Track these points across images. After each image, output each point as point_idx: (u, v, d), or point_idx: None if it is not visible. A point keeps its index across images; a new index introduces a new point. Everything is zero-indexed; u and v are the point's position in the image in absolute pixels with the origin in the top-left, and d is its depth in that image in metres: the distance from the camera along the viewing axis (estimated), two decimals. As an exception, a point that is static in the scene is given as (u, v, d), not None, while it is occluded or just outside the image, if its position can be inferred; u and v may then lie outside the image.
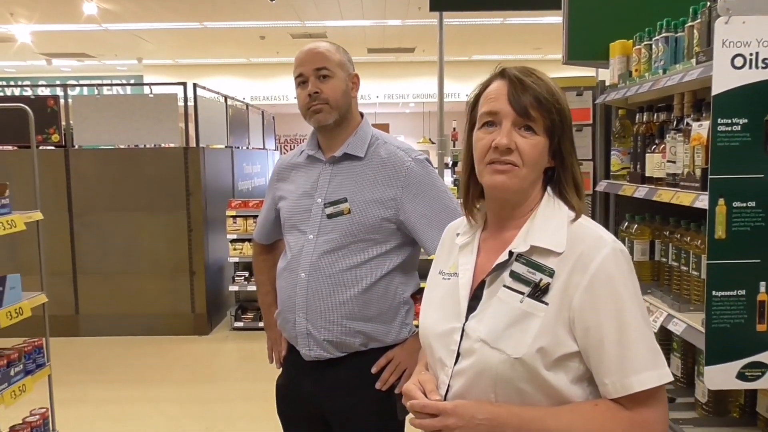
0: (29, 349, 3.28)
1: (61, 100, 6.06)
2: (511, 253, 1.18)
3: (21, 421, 3.30)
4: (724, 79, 1.57)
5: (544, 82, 1.19)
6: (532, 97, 1.16)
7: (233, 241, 6.22)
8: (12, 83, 13.70)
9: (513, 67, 1.21)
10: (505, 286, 1.17)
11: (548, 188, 1.23)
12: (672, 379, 1.13)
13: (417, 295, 2.01)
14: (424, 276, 2.30)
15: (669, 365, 2.23)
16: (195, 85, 6.16)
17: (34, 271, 3.48)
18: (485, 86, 1.23)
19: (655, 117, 2.29)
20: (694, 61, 1.87)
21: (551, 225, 1.18)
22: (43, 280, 3.45)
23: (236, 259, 6.24)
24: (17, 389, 3.08)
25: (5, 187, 3.09)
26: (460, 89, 14.24)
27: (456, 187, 6.23)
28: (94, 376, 5.02)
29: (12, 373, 3.08)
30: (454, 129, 9.51)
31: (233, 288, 6.30)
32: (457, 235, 1.33)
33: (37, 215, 3.34)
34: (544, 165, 1.21)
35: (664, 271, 2.24)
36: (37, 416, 3.35)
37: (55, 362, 3.53)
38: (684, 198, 1.84)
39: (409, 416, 1.96)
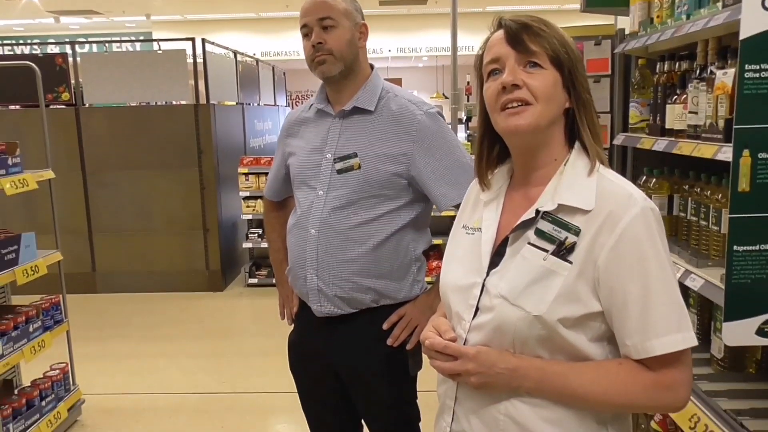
0: (47, 305, 3.33)
1: (70, 58, 6.00)
2: (537, 212, 1.14)
3: (42, 376, 3.38)
4: (754, 21, 1.48)
5: (540, 19, 1.16)
6: (530, 33, 1.13)
7: (246, 198, 6.22)
8: (21, 42, 13.61)
9: (508, 17, 1.18)
10: (529, 243, 1.14)
11: (576, 143, 1.18)
12: (696, 343, 1.10)
13: (430, 252, 1.99)
14: (436, 233, 2.28)
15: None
16: (204, 41, 6.07)
17: (49, 231, 3.50)
18: (486, 41, 1.20)
19: (676, 66, 2.20)
20: (720, 4, 1.78)
21: (579, 181, 1.14)
22: (58, 239, 3.48)
23: (249, 216, 6.25)
24: (37, 345, 3.13)
25: (15, 146, 3.08)
26: (474, 42, 13.89)
27: (469, 143, 6.15)
28: (112, 332, 5.11)
29: (31, 329, 3.14)
30: (468, 83, 9.34)
31: (247, 245, 6.33)
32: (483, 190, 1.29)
33: (49, 174, 3.34)
34: (561, 103, 1.15)
35: (683, 227, 2.19)
36: (58, 370, 3.43)
37: (74, 319, 3.59)
38: (706, 150, 1.78)
39: (418, 373, 1.96)
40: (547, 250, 1.11)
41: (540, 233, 1.13)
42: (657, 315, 1.07)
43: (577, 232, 1.10)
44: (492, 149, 1.26)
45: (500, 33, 1.16)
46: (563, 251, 1.10)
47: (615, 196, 1.11)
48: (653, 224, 1.09)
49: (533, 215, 1.15)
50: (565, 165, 1.16)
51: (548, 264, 1.10)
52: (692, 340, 1.08)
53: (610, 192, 1.11)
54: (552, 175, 1.17)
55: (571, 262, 1.09)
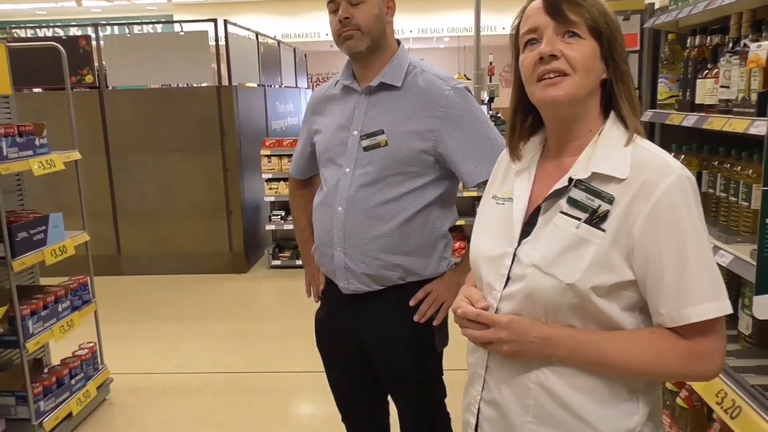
0: (75, 286, 3.39)
1: (93, 41, 6.04)
2: (570, 180, 1.14)
3: (71, 355, 3.45)
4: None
5: None
6: (569, 1, 1.11)
7: (269, 180, 6.25)
8: (43, 25, 13.72)
9: None
10: (561, 212, 1.13)
11: (611, 113, 1.17)
12: (732, 311, 1.09)
13: (454, 231, 1.99)
14: (461, 213, 2.27)
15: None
16: (226, 22, 6.06)
17: (75, 212, 3.55)
18: (523, 11, 1.18)
19: (708, 40, 2.16)
20: (755, -25, 1.74)
21: (614, 151, 1.12)
22: (85, 220, 3.52)
23: (272, 199, 6.28)
24: (66, 324, 3.19)
25: (43, 126, 3.12)
26: (497, 22, 13.77)
27: (493, 122, 6.10)
28: (138, 314, 5.19)
29: (60, 309, 3.19)
30: (491, 63, 9.23)
31: (270, 227, 6.37)
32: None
33: (75, 155, 3.38)
34: (599, 73, 1.14)
35: (711, 203, 2.16)
36: (86, 350, 3.50)
37: (100, 300, 3.65)
38: (737, 125, 1.75)
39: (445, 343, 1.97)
40: (579, 219, 1.11)
41: (573, 202, 1.12)
42: (693, 282, 1.06)
43: (610, 200, 1.09)
44: (525, 120, 1.24)
45: (538, 2, 1.14)
46: (596, 219, 1.09)
47: (651, 165, 1.09)
48: (690, 193, 1.08)
49: (566, 184, 1.14)
50: (599, 135, 1.15)
51: (581, 232, 1.10)
52: (728, 308, 1.08)
53: (646, 160, 1.10)
54: (587, 145, 1.16)
55: (604, 230, 1.09)
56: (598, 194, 1.10)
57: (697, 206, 1.08)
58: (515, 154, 1.26)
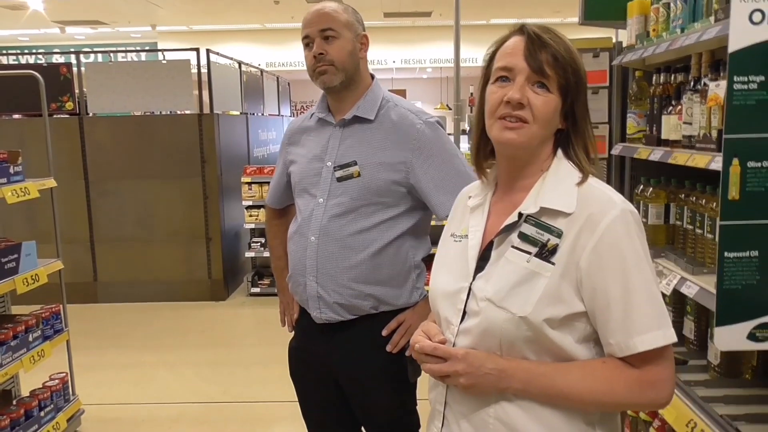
0: (47, 315, 3.34)
1: (74, 68, 6.05)
2: (520, 215, 1.17)
3: (41, 386, 3.38)
4: (742, 35, 1.51)
5: (562, 41, 1.18)
6: (549, 55, 1.15)
7: (249, 207, 6.25)
8: (26, 51, 13.72)
9: (532, 25, 1.19)
10: (513, 246, 1.16)
11: (558, 150, 1.21)
12: (676, 339, 1.13)
13: (429, 260, 2.01)
14: (436, 242, 2.30)
15: (682, 328, 2.25)
16: (208, 51, 6.11)
17: (51, 239, 3.52)
18: (503, 41, 1.22)
19: (672, 78, 2.24)
20: (712, 18, 1.82)
21: (561, 186, 1.17)
22: (59, 248, 3.49)
23: (252, 226, 6.28)
24: (36, 354, 3.14)
25: (18, 154, 3.11)
26: (478, 54, 14.00)
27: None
28: (113, 342, 5.12)
29: (30, 338, 3.14)
30: (471, 94, 9.39)
31: (249, 254, 6.35)
32: (469, 198, 1.33)
33: (51, 182, 3.36)
34: (555, 125, 1.19)
35: (679, 235, 2.22)
36: (57, 380, 3.43)
37: (74, 328, 3.60)
38: (699, 160, 1.80)
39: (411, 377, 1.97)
40: (530, 252, 1.14)
41: (523, 236, 1.16)
42: (638, 313, 1.09)
43: (559, 234, 1.13)
44: (488, 143, 1.27)
45: (519, 42, 1.17)
46: (546, 253, 1.13)
47: (595, 199, 1.14)
48: (632, 226, 1.12)
49: (516, 219, 1.18)
50: (547, 172, 1.20)
51: (532, 266, 1.13)
52: (672, 337, 1.11)
53: (591, 195, 1.15)
54: (536, 182, 1.20)
55: (553, 264, 1.12)
56: (547, 228, 1.14)
57: (640, 238, 1.12)
58: (483, 173, 1.30)
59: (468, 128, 7.62)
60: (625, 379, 1.11)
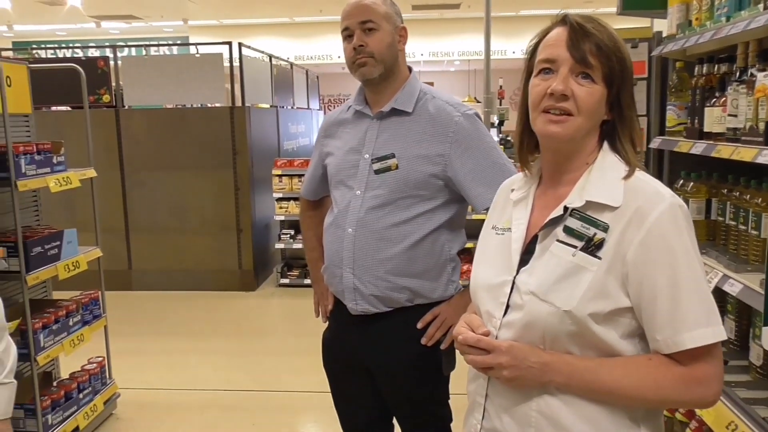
0: (86, 300, 3.42)
1: (111, 62, 6.15)
2: (566, 209, 1.16)
3: (80, 369, 3.47)
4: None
5: (605, 29, 1.15)
6: (593, 44, 1.12)
7: (279, 199, 6.30)
8: (63, 45, 13.99)
9: (575, 15, 1.17)
10: (558, 240, 1.15)
11: (605, 142, 1.19)
12: (726, 337, 1.10)
13: (463, 254, 2.01)
14: (471, 236, 2.29)
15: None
16: (240, 45, 6.17)
17: (89, 228, 3.60)
18: (545, 33, 1.20)
19: (715, 69, 2.18)
20: (761, 6, 1.77)
21: (608, 179, 1.15)
22: (98, 236, 3.57)
23: (282, 217, 6.32)
24: (76, 338, 3.22)
25: (60, 145, 3.18)
26: (507, 46, 13.89)
27: (503, 146, 6.14)
28: (147, 329, 5.21)
29: (71, 323, 3.22)
30: (501, 87, 9.30)
31: (279, 245, 6.40)
32: (512, 191, 1.31)
33: (91, 172, 3.43)
34: (601, 116, 1.17)
35: (721, 231, 2.17)
36: (95, 364, 3.52)
37: (110, 315, 3.68)
38: (745, 153, 1.76)
39: (450, 370, 1.97)
40: (576, 246, 1.12)
41: (568, 230, 1.14)
42: (686, 309, 1.07)
43: (605, 228, 1.11)
44: (532, 136, 1.25)
45: (562, 33, 1.15)
46: (592, 247, 1.11)
47: (643, 193, 1.12)
48: (681, 220, 1.10)
49: (562, 212, 1.16)
50: (593, 165, 1.18)
51: (577, 260, 1.12)
52: (722, 334, 1.09)
53: (638, 189, 1.13)
54: (581, 176, 1.18)
55: (599, 258, 1.10)
56: (594, 222, 1.12)
57: (689, 233, 1.10)
58: (527, 167, 1.29)
59: (497, 121, 7.56)
60: (672, 376, 1.09)
